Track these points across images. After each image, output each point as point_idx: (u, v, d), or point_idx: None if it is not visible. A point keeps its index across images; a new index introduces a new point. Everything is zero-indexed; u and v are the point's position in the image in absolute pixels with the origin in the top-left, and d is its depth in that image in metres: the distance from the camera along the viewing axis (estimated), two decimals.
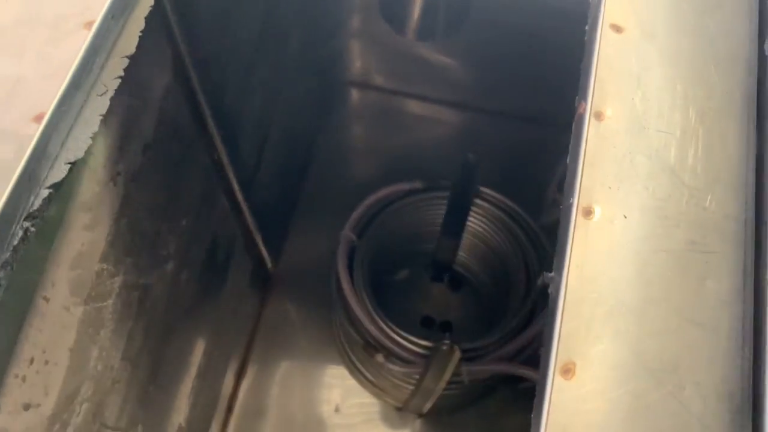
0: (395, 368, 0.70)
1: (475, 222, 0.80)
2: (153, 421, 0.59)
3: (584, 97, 0.34)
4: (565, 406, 0.28)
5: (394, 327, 0.69)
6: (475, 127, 0.92)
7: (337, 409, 0.83)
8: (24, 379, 0.39)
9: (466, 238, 0.82)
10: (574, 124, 0.33)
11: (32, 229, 0.29)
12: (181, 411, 0.66)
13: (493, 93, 0.87)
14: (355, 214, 0.76)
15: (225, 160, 0.61)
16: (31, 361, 0.39)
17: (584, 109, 0.33)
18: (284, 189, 0.86)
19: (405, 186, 0.77)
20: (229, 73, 0.58)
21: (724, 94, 0.34)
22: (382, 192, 0.77)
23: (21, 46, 0.32)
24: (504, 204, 0.78)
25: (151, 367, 0.57)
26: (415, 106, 0.94)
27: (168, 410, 0.63)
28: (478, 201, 0.78)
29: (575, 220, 0.31)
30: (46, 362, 0.41)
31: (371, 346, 0.69)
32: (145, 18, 0.36)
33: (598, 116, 0.34)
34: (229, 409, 0.83)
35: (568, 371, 0.29)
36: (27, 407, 0.40)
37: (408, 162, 0.90)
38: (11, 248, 0.28)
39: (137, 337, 0.53)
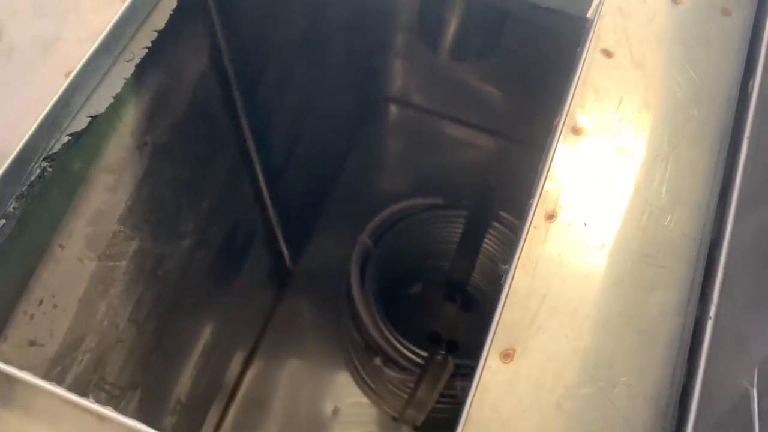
0: (391, 374, 0.72)
1: (492, 245, 0.82)
2: (152, 388, 0.62)
3: (561, 111, 0.36)
4: (498, 387, 0.30)
5: (394, 332, 0.71)
6: (506, 154, 0.94)
7: (335, 411, 0.85)
8: (32, 317, 0.43)
9: (483, 261, 0.84)
10: (549, 135, 0.36)
11: (49, 169, 0.33)
12: (182, 385, 0.69)
13: (526, 122, 0.89)
14: (374, 221, 0.79)
15: (252, 151, 0.65)
16: (41, 301, 0.43)
17: (558, 122, 0.35)
18: (311, 191, 0.90)
19: (426, 201, 0.80)
20: (266, 70, 0.62)
21: (700, 125, 0.36)
22: (403, 203, 0.80)
23: (66, 11, 0.37)
24: None
25: (157, 335, 0.60)
26: (449, 128, 0.96)
27: (169, 381, 0.67)
28: (497, 225, 0.80)
29: (532, 219, 0.33)
30: (55, 306, 0.45)
31: (371, 349, 0.71)
32: None
33: (575, 131, 0.37)
34: (232, 396, 0.86)
35: (507, 356, 0.31)
36: (32, 344, 0.44)
37: (435, 180, 0.92)
38: (28, 183, 0.32)
39: (146, 303, 0.56)
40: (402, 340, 0.71)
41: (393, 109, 0.98)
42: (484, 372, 0.31)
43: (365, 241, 0.77)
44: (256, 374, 0.87)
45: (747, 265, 0.32)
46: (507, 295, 0.32)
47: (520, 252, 0.33)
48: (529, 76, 0.74)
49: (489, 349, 0.31)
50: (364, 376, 0.80)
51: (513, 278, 0.32)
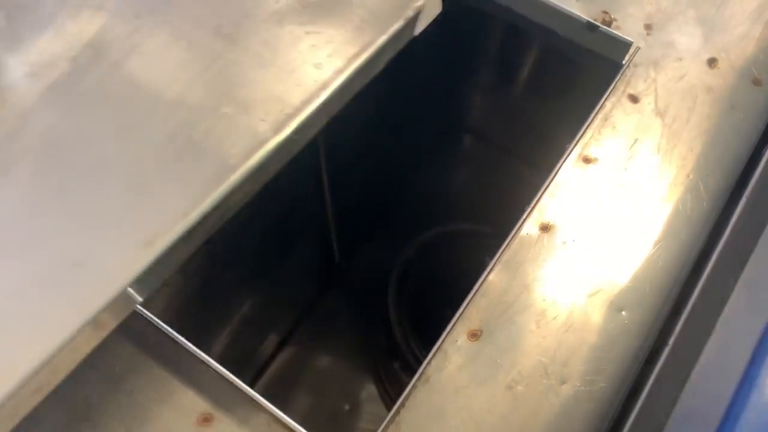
0: (406, 381, 0.75)
1: None
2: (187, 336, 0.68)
3: (576, 136, 0.40)
4: (460, 359, 0.34)
5: (416, 338, 0.74)
6: None
7: (350, 410, 0.89)
8: None
9: None
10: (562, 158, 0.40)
11: None
12: (216, 344, 0.74)
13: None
14: (423, 237, 0.83)
15: (321, 146, 0.70)
16: None
17: (571, 146, 0.39)
18: (372, 199, 0.94)
19: (473, 227, 0.83)
20: None
21: (702, 179, 0.40)
22: (453, 226, 0.83)
23: None
24: None
25: (200, 290, 0.65)
26: (520, 167, 0.99)
27: (204, 336, 0.72)
28: None
29: (523, 223, 0.37)
30: None
31: (392, 351, 0.75)
32: None
33: (586, 159, 0.40)
34: (258, 375, 0.90)
35: (474, 335, 0.35)
36: None
37: (497, 213, 0.95)
38: None
39: (197, 256, 0.61)
40: (420, 348, 0.74)
41: (467, 139, 1.02)
42: (448, 343, 0.34)
43: (410, 252, 0.81)
44: (286, 358, 0.92)
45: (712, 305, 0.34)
46: (483, 282, 0.35)
47: (506, 250, 0.36)
48: (567, 114, 0.77)
49: (456, 324, 0.34)
50: (383, 378, 0.83)
51: (494, 271, 0.36)
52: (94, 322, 0.24)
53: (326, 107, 0.30)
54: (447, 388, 0.35)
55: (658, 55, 0.46)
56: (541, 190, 0.39)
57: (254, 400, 0.33)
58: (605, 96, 0.42)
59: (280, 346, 0.91)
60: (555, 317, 0.35)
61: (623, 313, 0.35)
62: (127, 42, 0.30)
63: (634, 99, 0.43)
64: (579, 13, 0.46)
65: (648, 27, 0.48)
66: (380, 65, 0.34)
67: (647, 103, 0.43)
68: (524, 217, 0.38)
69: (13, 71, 0.28)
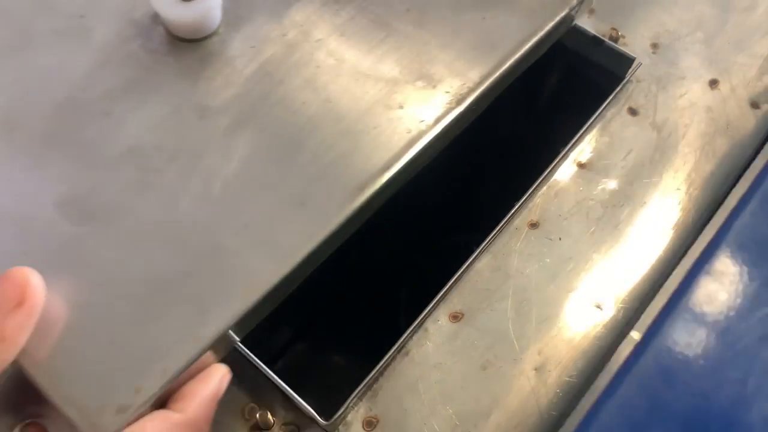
0: None
1: None
2: None
3: (572, 141, 0.44)
4: (439, 337, 0.38)
5: None
6: None
7: None
8: None
9: None
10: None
11: None
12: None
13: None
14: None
15: None
16: None
17: (567, 149, 0.43)
18: None
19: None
20: None
21: (688, 194, 0.43)
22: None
23: None
24: None
25: None
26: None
27: None
28: None
29: (511, 217, 0.41)
30: None
31: None
32: None
33: (581, 165, 0.44)
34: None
35: (455, 317, 0.38)
36: None
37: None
38: None
39: None
40: None
41: None
42: (430, 321, 0.38)
43: None
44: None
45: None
46: (468, 267, 0.39)
47: (493, 241, 0.40)
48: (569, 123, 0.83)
49: (440, 305, 0.38)
50: None
51: (480, 259, 0.40)
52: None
53: (501, 82, 0.38)
54: (425, 362, 0.37)
55: (661, 72, 0.49)
56: (533, 188, 0.42)
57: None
58: (603, 106, 0.45)
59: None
60: (533, 308, 0.39)
61: (600, 310, 0.38)
62: (330, 23, 0.38)
63: (633, 112, 0.46)
64: (588, 28, 0.48)
65: (654, 46, 0.50)
66: (544, 49, 0.41)
67: (645, 116, 0.46)
68: (513, 211, 0.41)
69: (238, 44, 0.37)
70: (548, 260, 0.41)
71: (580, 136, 0.45)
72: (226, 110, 0.34)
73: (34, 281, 0.28)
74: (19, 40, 0.36)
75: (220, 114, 0.34)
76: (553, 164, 0.43)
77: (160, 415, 0.27)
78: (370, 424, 0.36)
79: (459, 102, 0.35)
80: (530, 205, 0.43)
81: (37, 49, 0.36)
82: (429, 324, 0.38)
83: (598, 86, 0.47)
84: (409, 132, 0.34)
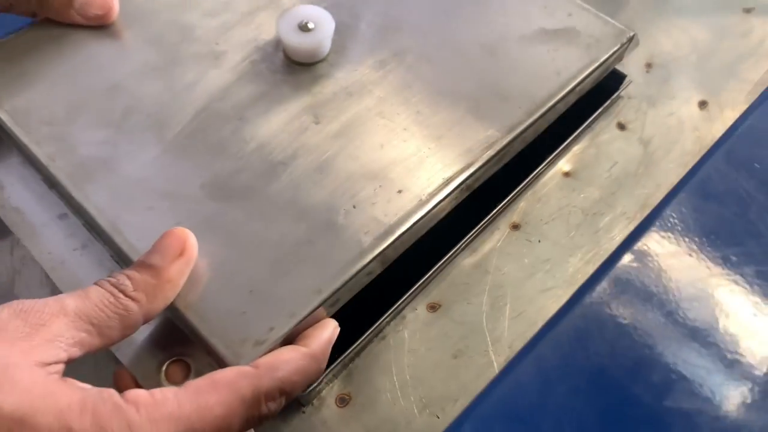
0: None
1: None
2: None
3: (558, 149, 0.48)
4: (416, 324, 0.41)
5: None
6: None
7: None
8: None
9: None
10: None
11: None
12: None
13: None
14: None
15: None
16: None
17: (552, 157, 0.47)
18: None
19: None
20: None
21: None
22: None
23: None
24: None
25: None
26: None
27: None
28: None
29: (494, 218, 0.45)
30: None
31: None
32: None
33: (566, 173, 0.47)
34: None
35: (433, 308, 0.42)
36: None
37: None
38: None
39: None
40: None
41: None
42: (408, 309, 0.41)
43: None
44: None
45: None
46: (448, 261, 0.43)
47: (475, 238, 0.44)
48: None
49: (418, 294, 0.42)
50: None
51: (461, 255, 0.43)
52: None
53: (562, 103, 0.44)
54: (400, 347, 0.40)
55: (653, 91, 0.52)
56: (517, 192, 0.46)
57: None
58: (591, 118, 0.49)
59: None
60: (507, 304, 0.41)
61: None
62: (424, 48, 0.46)
63: (621, 126, 0.50)
64: None
65: (648, 65, 0.54)
66: (597, 78, 0.47)
67: (633, 131, 0.49)
68: (496, 211, 0.45)
69: (343, 67, 0.45)
70: (526, 260, 0.44)
71: (568, 146, 0.49)
72: (336, 119, 0.42)
73: (191, 237, 0.35)
74: (169, 61, 0.45)
75: (331, 121, 0.42)
76: (539, 171, 0.47)
77: (291, 347, 0.34)
78: (343, 400, 0.39)
79: (529, 115, 0.42)
80: (514, 207, 0.46)
81: (183, 67, 0.44)
82: (407, 312, 0.42)
83: (589, 100, 0.50)
84: (487, 139, 0.41)
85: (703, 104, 0.51)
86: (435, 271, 0.43)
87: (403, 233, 0.38)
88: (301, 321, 0.35)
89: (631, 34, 0.47)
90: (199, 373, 0.33)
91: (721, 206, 0.46)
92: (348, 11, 0.48)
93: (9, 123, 0.41)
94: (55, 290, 0.41)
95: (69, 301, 0.30)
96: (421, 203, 0.39)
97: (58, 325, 0.29)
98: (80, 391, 0.28)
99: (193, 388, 0.30)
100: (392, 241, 0.37)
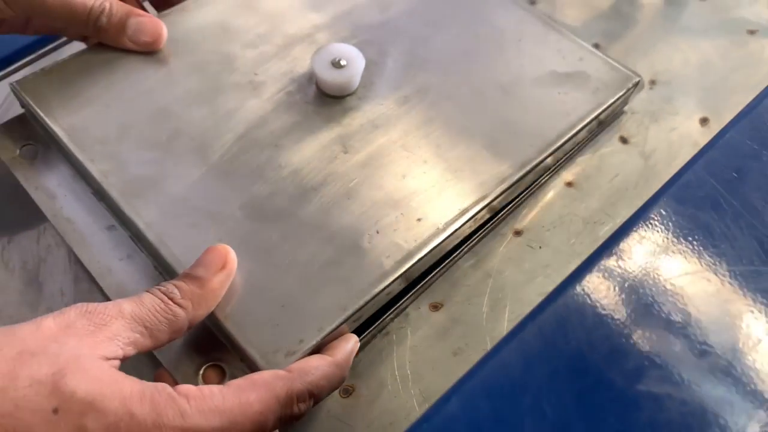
0: None
1: None
2: None
3: (562, 159, 0.50)
4: (418, 322, 0.44)
5: None
6: None
7: None
8: None
9: None
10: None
11: None
12: None
13: None
14: None
15: None
16: None
17: (554, 165, 0.49)
18: None
19: None
20: None
21: None
22: None
23: None
24: None
25: None
26: None
27: None
28: None
29: (497, 225, 0.47)
30: None
31: None
32: None
33: (568, 183, 0.50)
34: None
35: (435, 307, 0.44)
36: None
37: None
38: None
39: None
40: None
41: None
42: (412, 308, 0.44)
43: None
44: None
45: None
46: (452, 264, 0.45)
47: (478, 242, 0.46)
48: None
49: (421, 294, 0.44)
50: None
51: (464, 257, 0.46)
52: None
53: (570, 142, 0.48)
54: (402, 343, 0.42)
55: (655, 107, 0.54)
56: (521, 200, 0.48)
57: None
58: (596, 131, 0.51)
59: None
60: (507, 306, 0.43)
61: None
62: (444, 86, 0.50)
63: (624, 140, 0.52)
64: None
65: (652, 82, 0.56)
66: (604, 119, 0.51)
67: (635, 145, 0.52)
68: (499, 217, 0.47)
69: (370, 101, 0.49)
70: (527, 265, 0.46)
71: (571, 157, 0.52)
72: (362, 150, 0.46)
73: (232, 253, 0.39)
74: (212, 88, 0.49)
75: (358, 151, 0.46)
76: (543, 180, 0.50)
77: (319, 355, 0.37)
78: (346, 391, 0.41)
79: (540, 153, 0.46)
80: (517, 214, 0.48)
81: (225, 95, 0.49)
82: (411, 310, 0.44)
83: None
84: (500, 174, 0.45)
85: (704, 121, 0.53)
86: (439, 272, 0.45)
87: (421, 258, 0.42)
88: (327, 335, 0.39)
89: (637, 79, 0.51)
90: (233, 377, 0.37)
91: (698, 210, 0.49)
92: (377, 49, 0.52)
93: (66, 140, 0.46)
94: (76, 277, 0.45)
95: (126, 305, 0.34)
96: (438, 231, 0.43)
97: (117, 325, 0.32)
98: (139, 382, 0.32)
99: (235, 386, 0.33)
100: (411, 265, 0.41)
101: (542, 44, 0.53)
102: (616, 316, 0.42)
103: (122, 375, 0.31)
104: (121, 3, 0.49)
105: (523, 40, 0.54)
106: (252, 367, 0.38)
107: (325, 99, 0.49)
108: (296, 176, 0.45)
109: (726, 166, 0.47)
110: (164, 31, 0.50)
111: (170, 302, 0.35)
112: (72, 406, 0.29)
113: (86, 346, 0.31)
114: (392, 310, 0.43)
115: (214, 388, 0.33)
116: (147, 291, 0.36)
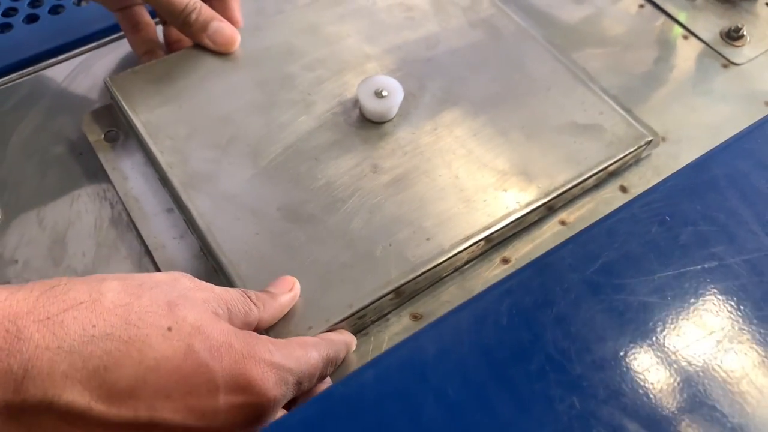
0: None
1: None
2: None
3: (558, 200, 0.54)
4: (396, 329, 0.48)
5: None
6: None
7: None
8: None
9: None
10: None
11: None
12: None
13: None
14: None
15: None
16: None
17: (547, 204, 0.53)
18: None
19: None
20: None
21: None
22: None
23: None
24: None
25: None
26: None
27: None
28: None
29: (484, 251, 0.52)
30: None
31: None
32: None
33: (562, 222, 0.54)
34: None
35: (416, 317, 0.49)
36: None
37: None
38: None
39: None
40: None
41: None
42: (394, 314, 0.49)
43: None
44: None
45: None
46: (438, 281, 0.50)
47: (467, 267, 0.51)
48: None
49: (406, 305, 0.49)
50: None
51: (452, 278, 0.50)
52: None
53: (577, 188, 0.54)
54: (379, 345, 0.47)
55: (661, 162, 0.57)
56: (514, 231, 0.52)
57: None
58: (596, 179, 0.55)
59: None
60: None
61: None
62: (472, 124, 0.57)
63: (624, 189, 0.56)
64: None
65: (663, 138, 0.60)
66: (613, 171, 0.56)
67: (634, 195, 0.52)
68: (491, 246, 0.52)
69: (405, 129, 0.56)
70: None
71: (570, 201, 0.55)
72: (391, 170, 0.53)
73: (297, 283, 0.46)
74: (270, 102, 0.57)
75: (386, 172, 0.52)
76: (539, 217, 0.54)
77: (335, 332, 0.45)
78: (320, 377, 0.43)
79: (546, 195, 0.52)
80: (508, 243, 0.52)
81: (280, 110, 0.56)
82: (392, 316, 0.49)
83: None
84: (507, 207, 0.51)
85: None
86: (425, 286, 0.50)
87: (423, 272, 0.48)
88: (333, 326, 0.46)
89: (650, 138, 0.56)
90: None
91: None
92: (417, 82, 0.59)
93: (142, 132, 0.54)
94: (98, 243, 0.52)
95: (215, 287, 0.40)
96: (442, 252, 0.49)
97: (209, 294, 0.39)
98: (232, 326, 0.38)
99: (299, 341, 0.41)
100: (413, 278, 0.48)
101: (568, 95, 0.59)
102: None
103: (218, 317, 0.37)
104: (209, 8, 0.59)
105: (552, 89, 0.59)
106: None
107: (365, 123, 0.56)
108: (329, 187, 0.52)
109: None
110: (238, 38, 0.60)
111: (248, 299, 0.41)
112: (183, 327, 0.34)
113: (192, 290, 0.38)
114: (376, 315, 0.49)
115: (288, 340, 0.41)
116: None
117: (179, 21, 0.58)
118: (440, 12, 0.65)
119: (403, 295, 0.50)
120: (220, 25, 0.58)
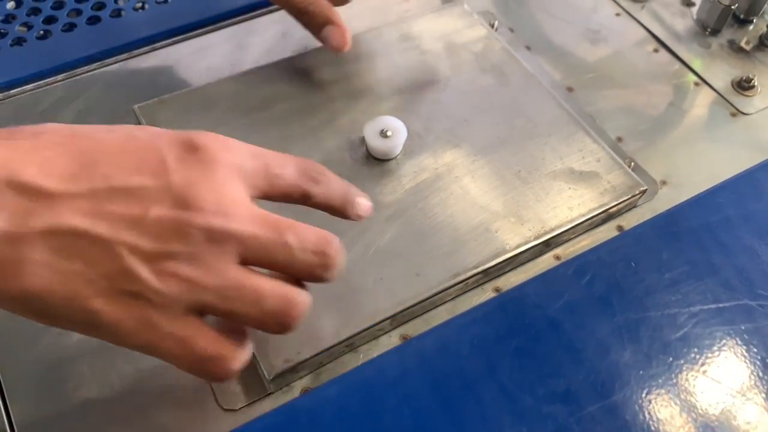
0: None
1: None
2: None
3: (553, 237, 0.56)
4: (385, 348, 0.50)
5: None
6: None
7: None
8: None
9: None
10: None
11: None
12: None
13: None
14: None
15: None
16: None
17: (542, 238, 0.57)
18: None
19: None
20: None
21: None
22: None
23: None
24: None
25: None
26: None
27: None
28: None
29: (480, 283, 0.54)
30: None
31: None
32: None
33: (557, 257, 0.56)
34: None
35: (404, 338, 0.51)
36: None
37: None
38: None
39: None
40: None
41: None
42: (383, 335, 0.51)
43: None
44: None
45: None
46: (431, 309, 0.53)
47: (459, 295, 0.53)
48: None
49: (397, 327, 0.52)
50: None
51: (444, 306, 0.53)
52: None
53: (569, 233, 0.57)
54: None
55: (659, 205, 0.59)
56: (509, 265, 0.55)
57: None
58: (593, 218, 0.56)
59: None
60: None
61: None
62: (471, 165, 0.60)
63: (620, 229, 0.58)
64: (612, 152, 0.60)
65: (663, 182, 0.61)
66: (606, 219, 0.58)
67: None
68: (484, 277, 0.54)
69: (407, 168, 0.59)
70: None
71: (567, 239, 0.57)
72: (390, 206, 0.56)
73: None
74: (286, 137, 0.60)
75: (386, 208, 0.56)
76: (533, 256, 0.56)
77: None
78: (306, 392, 0.48)
79: (536, 238, 0.55)
80: (500, 273, 0.55)
81: (294, 143, 0.60)
82: (382, 336, 0.51)
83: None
84: (496, 249, 0.54)
85: None
86: (416, 311, 0.52)
87: (410, 306, 0.51)
88: (320, 352, 0.49)
89: (644, 188, 0.58)
90: None
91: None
92: (422, 123, 0.62)
93: None
94: None
95: None
96: (429, 288, 0.52)
97: None
98: None
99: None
100: (400, 311, 0.51)
101: (567, 142, 0.61)
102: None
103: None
104: (324, 6, 0.61)
105: (552, 135, 0.62)
106: (257, 365, 0.49)
107: (371, 160, 0.60)
108: (329, 220, 0.55)
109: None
110: (349, 42, 0.63)
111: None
112: (200, 155, 0.36)
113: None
114: (366, 334, 0.51)
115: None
116: None
117: (299, 14, 0.62)
118: (453, 56, 0.68)
119: (394, 322, 0.53)
120: (333, 27, 0.62)
